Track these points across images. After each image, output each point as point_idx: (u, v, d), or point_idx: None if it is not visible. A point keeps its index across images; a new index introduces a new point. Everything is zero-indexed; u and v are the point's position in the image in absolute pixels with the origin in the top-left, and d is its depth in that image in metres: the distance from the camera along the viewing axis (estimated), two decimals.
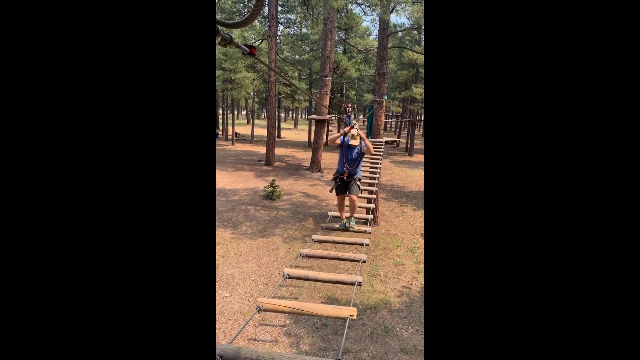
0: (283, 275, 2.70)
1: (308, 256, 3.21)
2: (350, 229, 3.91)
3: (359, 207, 4.29)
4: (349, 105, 12.41)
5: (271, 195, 10.43)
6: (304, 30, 20.77)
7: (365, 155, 4.04)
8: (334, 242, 3.77)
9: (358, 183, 3.89)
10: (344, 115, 11.98)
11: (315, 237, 3.61)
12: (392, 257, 7.21)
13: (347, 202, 4.06)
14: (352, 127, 3.81)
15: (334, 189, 3.99)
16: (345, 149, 3.89)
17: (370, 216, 4.93)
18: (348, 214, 4.06)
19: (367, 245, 3.54)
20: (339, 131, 4.27)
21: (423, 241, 7.81)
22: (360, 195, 4.09)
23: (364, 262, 3.17)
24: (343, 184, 3.94)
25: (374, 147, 7.61)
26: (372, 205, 5.10)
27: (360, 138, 3.75)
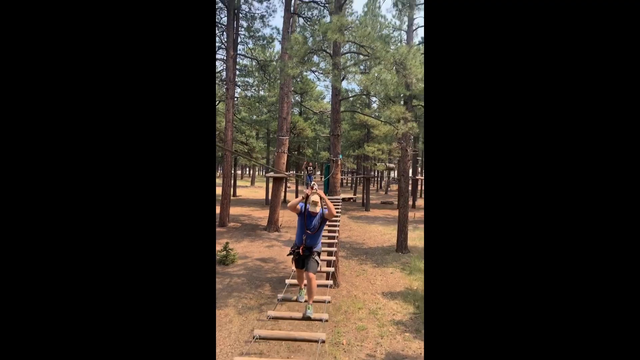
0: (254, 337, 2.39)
1: (262, 338, 2.90)
2: (308, 314, 3.32)
3: (317, 284, 3.85)
4: (310, 164, 12.67)
5: (224, 260, 9.78)
6: (262, 92, 21.77)
7: (327, 221, 3.73)
8: (286, 338, 3.44)
9: (317, 258, 3.52)
10: (305, 173, 12.22)
11: (271, 313, 3.31)
12: (354, 321, 6.86)
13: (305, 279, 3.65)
14: (312, 189, 3.52)
15: (293, 260, 3.68)
16: (305, 217, 3.55)
17: (330, 282, 4.73)
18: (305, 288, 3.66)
19: (323, 341, 3.13)
20: (296, 194, 4.24)
21: (384, 301, 7.63)
22: (319, 270, 3.69)
23: (323, 342, 2.93)
24: (300, 259, 3.57)
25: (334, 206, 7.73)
26: (331, 269, 4.92)
27: (321, 199, 3.50)
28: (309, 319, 3.31)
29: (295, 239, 3.66)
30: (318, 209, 3.45)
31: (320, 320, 3.54)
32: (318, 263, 3.52)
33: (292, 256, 3.61)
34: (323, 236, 6.67)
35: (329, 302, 3.98)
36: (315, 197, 3.46)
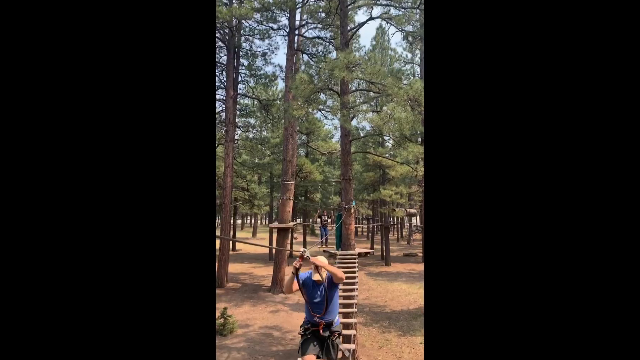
0: None
1: None
2: None
3: None
4: (324, 212, 12.48)
5: (222, 329, 9.33)
6: (264, 133, 22.40)
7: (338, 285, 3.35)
8: None
9: (337, 342, 3.09)
10: (319, 225, 11.94)
11: None
12: None
13: None
14: (302, 258, 3.07)
15: (299, 348, 3.18)
16: (308, 289, 3.19)
17: None
18: None
19: None
20: (304, 245, 4.14)
21: None
22: (339, 358, 3.24)
23: None
24: (316, 340, 3.09)
25: (346, 266, 7.40)
26: (352, 346, 4.57)
27: (317, 268, 3.13)
28: None
29: (305, 315, 3.28)
30: (324, 274, 3.14)
31: None
32: (338, 348, 3.11)
33: (300, 342, 3.16)
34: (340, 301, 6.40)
35: None
36: (317, 264, 3.15)
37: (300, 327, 3.27)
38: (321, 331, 3.07)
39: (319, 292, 3.13)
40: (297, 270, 3.13)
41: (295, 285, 3.19)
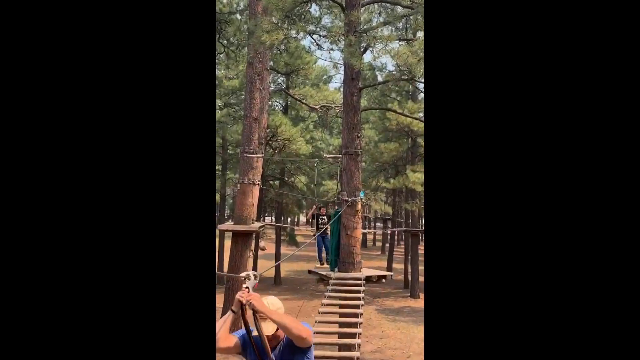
0: None
1: None
2: None
3: None
4: (322, 210, 12.37)
5: None
6: (218, 72, 22.21)
7: (296, 346, 2.90)
8: None
9: None
10: (314, 230, 11.71)
11: None
12: None
13: None
14: (247, 290, 2.78)
15: None
16: (252, 352, 2.92)
17: None
18: None
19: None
20: (277, 257, 3.87)
21: None
22: None
23: None
24: None
25: (344, 297, 7.37)
26: None
27: (256, 315, 2.77)
28: None
29: None
30: (272, 329, 2.83)
31: None
32: None
33: None
34: (325, 353, 6.40)
35: None
36: (258, 307, 2.73)
37: None
38: None
39: (278, 356, 2.90)
40: (242, 308, 2.77)
41: (232, 339, 2.89)
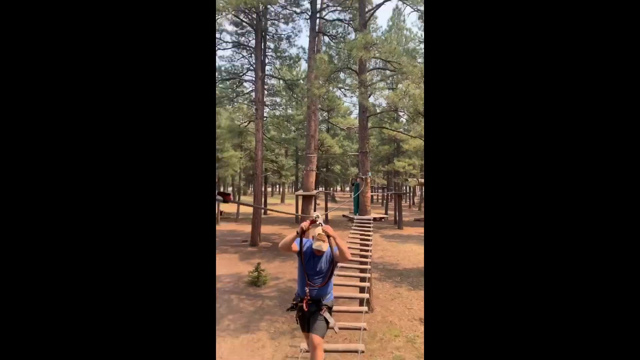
0: None
1: (307, 351, 2.86)
2: None
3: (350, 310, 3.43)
4: (357, 179, 12.39)
5: (256, 281, 9.82)
6: (289, 111, 22.30)
7: (337, 264, 2.69)
8: (328, 350, 3.32)
9: (326, 316, 2.56)
10: (352, 192, 11.77)
11: (303, 345, 3.21)
12: (391, 349, 6.54)
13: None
14: (314, 222, 2.52)
15: (296, 317, 2.71)
16: (305, 259, 2.59)
17: (365, 308, 4.56)
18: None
19: (363, 352, 3.06)
20: (325, 207, 3.53)
21: (422, 328, 7.24)
22: (331, 327, 2.66)
23: (363, 352, 2.86)
24: (304, 317, 2.61)
25: (362, 229, 7.51)
26: (365, 295, 4.76)
27: (329, 237, 2.52)
28: None
29: (297, 287, 2.73)
30: (325, 247, 2.51)
31: (356, 351, 3.39)
32: (328, 323, 2.58)
33: (293, 312, 2.70)
34: (353, 259, 6.51)
35: (365, 329, 3.82)
36: (318, 230, 2.50)
37: (291, 302, 2.78)
38: (305, 306, 2.54)
39: (317, 264, 2.58)
40: (302, 231, 2.55)
41: (295, 247, 2.59)
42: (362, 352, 3.27)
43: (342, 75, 13.53)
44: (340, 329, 3.04)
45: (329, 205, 24.70)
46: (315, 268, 2.57)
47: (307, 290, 2.55)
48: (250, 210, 18.25)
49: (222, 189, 34.31)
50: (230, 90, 20.14)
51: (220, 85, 19.35)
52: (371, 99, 16.07)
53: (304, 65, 19.96)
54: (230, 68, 18.71)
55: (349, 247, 6.35)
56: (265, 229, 17.39)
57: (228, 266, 11.71)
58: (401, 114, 18.64)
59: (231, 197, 1.31)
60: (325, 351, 2.81)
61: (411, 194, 36.06)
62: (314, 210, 17.06)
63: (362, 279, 5.05)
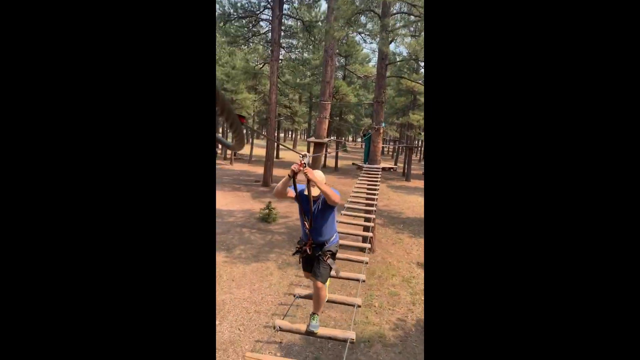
0: (274, 328, 2.66)
1: (302, 297, 3.14)
2: (312, 329, 2.64)
3: (347, 258, 3.38)
4: (369, 129, 12.31)
5: (267, 218, 10.37)
6: (306, 55, 21.39)
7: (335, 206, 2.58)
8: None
9: (329, 261, 2.56)
10: (362, 141, 11.76)
11: (298, 292, 3.25)
12: (388, 286, 7.10)
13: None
14: (301, 164, 2.31)
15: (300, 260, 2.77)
16: (303, 203, 2.51)
17: (368, 245, 4.92)
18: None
19: (359, 306, 3.07)
20: (336, 158, 3.02)
21: (419, 271, 7.76)
22: (334, 274, 2.70)
23: (359, 306, 3.08)
24: (307, 260, 2.66)
25: (370, 177, 7.61)
26: (369, 234, 5.09)
27: (309, 182, 2.37)
28: (313, 334, 2.67)
29: (301, 232, 2.74)
30: (315, 192, 2.45)
31: (357, 280, 3.70)
32: (331, 268, 2.59)
33: (298, 255, 2.72)
34: (360, 201, 6.76)
35: (366, 263, 4.15)
36: (308, 174, 2.32)
37: (295, 246, 2.79)
38: (309, 250, 2.57)
39: (315, 206, 2.50)
40: (294, 174, 2.35)
41: (290, 193, 2.50)
42: (363, 281, 3.50)
43: (363, 19, 12.70)
44: (340, 277, 3.18)
45: (340, 154, 24.75)
46: (313, 212, 2.49)
47: (309, 234, 2.54)
48: (262, 152, 18.54)
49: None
50: (245, 29, 19.22)
51: (235, 24, 18.43)
52: (392, 47, 15.21)
53: (323, 5, 18.68)
54: (246, 4, 17.63)
55: (355, 194, 6.57)
56: (276, 172, 17.81)
57: (240, 203, 12.28)
58: (422, 64, 17.73)
59: (245, 120, 1.25)
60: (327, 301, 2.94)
61: (422, 149, 35.74)
62: (324, 158, 17.06)
63: (367, 219, 5.34)
